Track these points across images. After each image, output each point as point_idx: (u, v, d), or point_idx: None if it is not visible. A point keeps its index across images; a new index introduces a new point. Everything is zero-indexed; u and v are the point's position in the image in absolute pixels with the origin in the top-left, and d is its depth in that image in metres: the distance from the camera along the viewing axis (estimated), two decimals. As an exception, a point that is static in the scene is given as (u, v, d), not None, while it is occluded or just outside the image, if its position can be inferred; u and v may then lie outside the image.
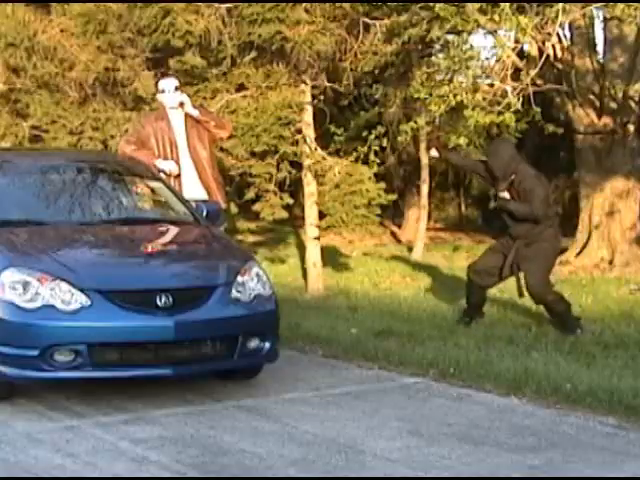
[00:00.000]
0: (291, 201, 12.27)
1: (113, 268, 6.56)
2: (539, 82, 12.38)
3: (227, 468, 5.17)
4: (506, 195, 8.69)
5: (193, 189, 8.59)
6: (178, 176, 8.62)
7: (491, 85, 11.67)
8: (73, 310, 6.07)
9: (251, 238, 16.25)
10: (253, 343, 6.56)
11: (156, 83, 9.09)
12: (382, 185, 12.22)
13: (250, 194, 12.00)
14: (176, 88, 8.83)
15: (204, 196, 8.55)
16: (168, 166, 8.58)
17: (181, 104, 8.77)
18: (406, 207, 19.77)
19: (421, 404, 6.51)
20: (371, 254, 15.81)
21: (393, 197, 13.17)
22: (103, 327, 6.10)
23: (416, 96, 11.35)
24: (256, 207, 12.18)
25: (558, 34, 12.71)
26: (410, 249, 16.24)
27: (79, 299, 6.09)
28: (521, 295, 8.85)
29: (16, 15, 12.05)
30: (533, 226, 8.59)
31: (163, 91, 8.84)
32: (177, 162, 8.69)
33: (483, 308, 9.14)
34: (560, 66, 13.59)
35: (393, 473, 5.12)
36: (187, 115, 8.77)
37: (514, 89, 11.22)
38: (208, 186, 8.71)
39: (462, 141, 11.41)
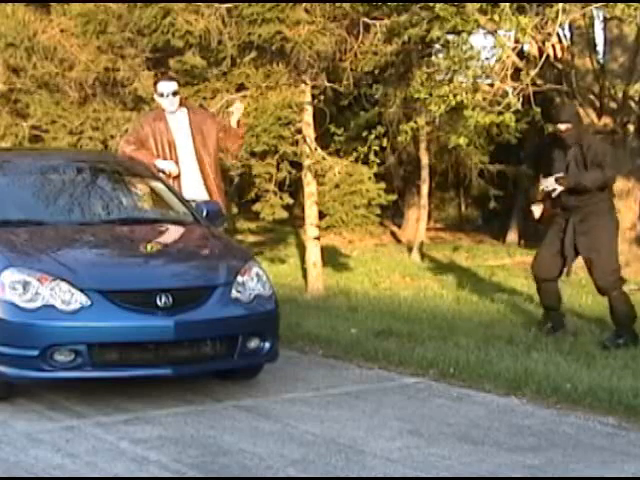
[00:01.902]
0: (291, 201, 12.28)
1: (113, 268, 6.55)
2: (539, 82, 12.38)
3: (227, 468, 5.17)
4: (536, 212, 8.44)
5: (195, 190, 8.55)
6: (177, 177, 8.58)
7: (491, 85, 11.69)
8: (73, 310, 6.07)
9: (251, 238, 16.26)
10: (253, 343, 6.55)
11: (155, 83, 8.97)
12: (382, 185, 12.23)
13: (250, 194, 12.00)
14: (175, 93, 8.66)
15: (205, 197, 8.52)
16: (168, 166, 8.53)
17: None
18: (406, 207, 19.79)
19: (421, 404, 6.51)
20: (371, 254, 15.82)
21: (393, 197, 13.19)
22: (103, 327, 6.10)
23: (416, 96, 11.36)
24: (256, 207, 12.19)
25: (558, 34, 12.71)
26: (410, 249, 16.25)
27: (79, 299, 6.09)
28: (568, 275, 8.53)
29: (16, 15, 12.06)
30: (589, 196, 8.16)
31: (162, 94, 8.69)
32: (176, 163, 8.65)
33: (561, 310, 8.64)
34: (560, 66, 13.60)
35: (393, 473, 5.12)
36: (192, 118, 8.70)
37: (514, 89, 11.24)
38: (210, 190, 8.69)
39: (462, 141, 11.42)
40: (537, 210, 8.47)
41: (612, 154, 8.48)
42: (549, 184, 8.25)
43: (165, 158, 8.59)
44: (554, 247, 8.34)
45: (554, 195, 8.24)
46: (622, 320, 8.12)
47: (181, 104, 8.72)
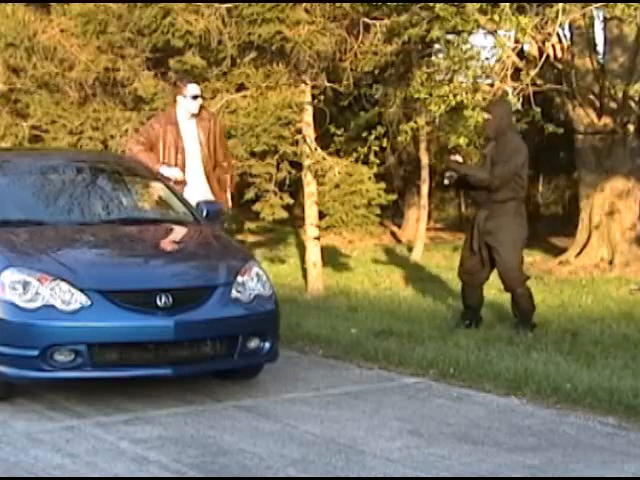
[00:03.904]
0: (291, 201, 12.27)
1: (113, 268, 6.55)
2: (539, 82, 12.39)
3: (227, 468, 5.17)
4: (458, 158, 8.65)
5: (200, 195, 8.52)
6: (182, 182, 8.58)
7: (491, 85, 11.69)
8: (73, 310, 6.07)
9: (251, 238, 16.26)
10: (253, 343, 6.55)
11: (176, 84, 8.95)
12: (382, 185, 12.23)
13: (250, 194, 12.00)
14: (195, 97, 8.70)
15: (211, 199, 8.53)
16: (173, 173, 8.52)
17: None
18: (406, 207, 19.78)
19: (421, 404, 6.51)
20: (371, 254, 15.82)
21: (393, 197, 13.18)
22: (103, 327, 6.10)
23: (416, 96, 11.37)
24: (256, 207, 12.19)
25: (558, 34, 12.72)
26: (410, 249, 16.25)
27: (79, 299, 6.09)
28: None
29: (16, 15, 12.06)
30: (496, 194, 8.37)
31: (195, 96, 8.70)
32: (183, 168, 8.65)
33: (481, 311, 8.92)
34: (560, 66, 13.60)
35: (393, 473, 5.12)
36: (199, 122, 8.72)
37: (514, 89, 11.24)
38: (215, 193, 8.72)
39: (462, 141, 11.43)
40: (450, 178, 8.66)
41: (522, 160, 8.45)
42: (451, 164, 8.59)
43: (171, 162, 8.59)
44: (469, 245, 8.66)
45: (445, 181, 8.67)
46: (524, 314, 8.52)
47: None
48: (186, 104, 8.69)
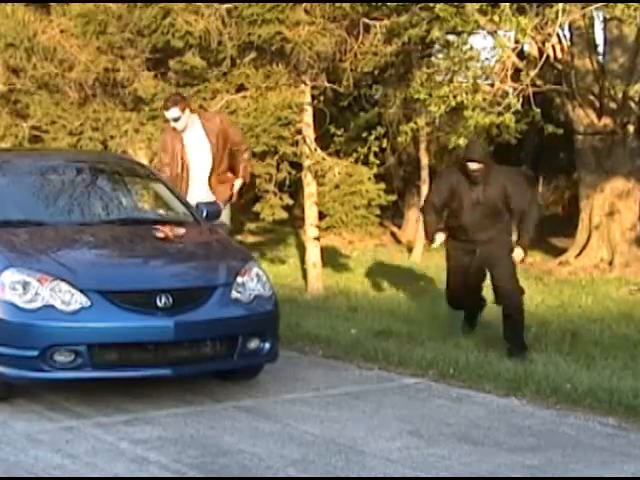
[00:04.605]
0: (291, 202, 12.27)
1: (113, 268, 6.55)
2: (539, 83, 12.39)
3: (227, 468, 5.17)
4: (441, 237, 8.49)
5: (201, 196, 8.55)
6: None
7: (491, 85, 11.69)
8: (73, 310, 6.07)
9: (251, 238, 16.26)
10: (253, 343, 6.55)
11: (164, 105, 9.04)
12: (382, 186, 12.24)
13: (250, 194, 12.00)
14: (175, 119, 8.70)
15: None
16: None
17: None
18: (406, 208, 19.77)
19: (421, 404, 6.51)
20: (371, 254, 15.81)
21: (393, 198, 13.19)
22: (103, 327, 6.10)
23: (416, 97, 11.37)
24: (256, 207, 12.19)
25: (558, 35, 12.72)
26: (410, 250, 16.25)
27: (79, 299, 6.09)
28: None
29: (16, 15, 12.05)
30: (496, 227, 8.25)
31: (175, 119, 8.77)
32: (186, 179, 8.70)
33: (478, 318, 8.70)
34: (560, 67, 13.60)
35: (393, 473, 5.12)
36: (206, 125, 8.74)
37: (514, 90, 11.24)
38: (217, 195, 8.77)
39: (462, 142, 11.42)
40: (440, 238, 8.57)
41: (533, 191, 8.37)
42: (516, 255, 8.11)
43: (177, 169, 8.65)
44: (464, 278, 8.38)
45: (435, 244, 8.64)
46: (518, 331, 7.90)
47: (192, 111, 8.80)
48: (172, 125, 8.78)
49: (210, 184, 8.76)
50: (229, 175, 8.92)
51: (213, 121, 8.83)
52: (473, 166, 7.93)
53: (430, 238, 8.57)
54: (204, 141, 8.73)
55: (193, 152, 8.73)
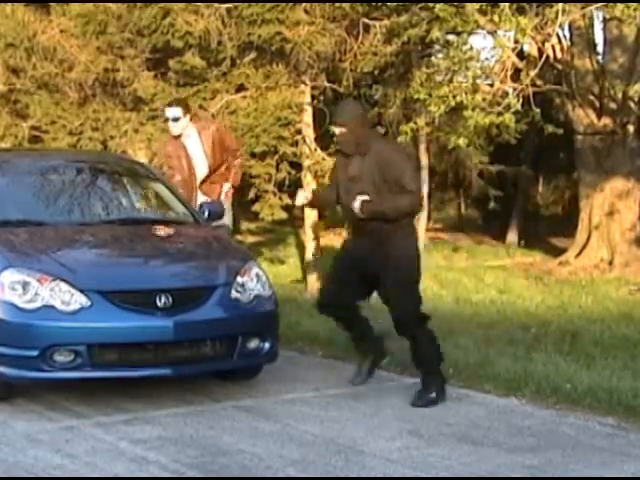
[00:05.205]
0: (290, 202, 12.26)
1: (113, 268, 6.55)
2: (539, 83, 12.40)
3: (226, 468, 5.17)
4: (365, 197, 6.34)
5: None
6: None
7: (491, 86, 11.70)
8: (73, 310, 6.07)
9: (251, 238, 16.26)
10: (253, 343, 6.55)
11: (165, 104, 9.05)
12: (382, 186, 12.20)
13: (250, 194, 12.00)
14: (175, 119, 8.68)
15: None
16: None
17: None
18: (406, 208, 19.75)
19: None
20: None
21: (393, 198, 13.14)
22: (103, 327, 6.10)
23: (416, 97, 11.37)
24: (255, 207, 12.19)
25: (558, 35, 12.73)
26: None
27: (79, 299, 6.09)
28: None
29: (16, 15, 12.06)
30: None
31: (167, 119, 8.78)
32: (194, 179, 8.72)
33: (380, 345, 7.13)
34: (560, 67, 13.61)
35: (393, 473, 5.12)
36: (206, 135, 8.76)
37: (514, 90, 11.24)
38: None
39: (462, 142, 11.43)
40: (302, 196, 6.88)
41: (412, 165, 7.00)
42: (355, 207, 6.38)
43: (185, 174, 8.67)
44: (347, 272, 6.69)
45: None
46: (432, 357, 6.61)
47: (192, 120, 8.81)
48: (169, 125, 8.77)
49: (201, 188, 8.78)
50: (221, 174, 8.92)
51: (207, 130, 8.80)
52: (335, 130, 6.56)
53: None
54: (201, 153, 8.73)
55: (193, 161, 8.75)
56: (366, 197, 6.34)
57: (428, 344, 6.57)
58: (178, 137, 8.72)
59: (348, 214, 6.62)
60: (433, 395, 6.48)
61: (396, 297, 6.48)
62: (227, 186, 8.91)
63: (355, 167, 6.46)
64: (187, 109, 8.77)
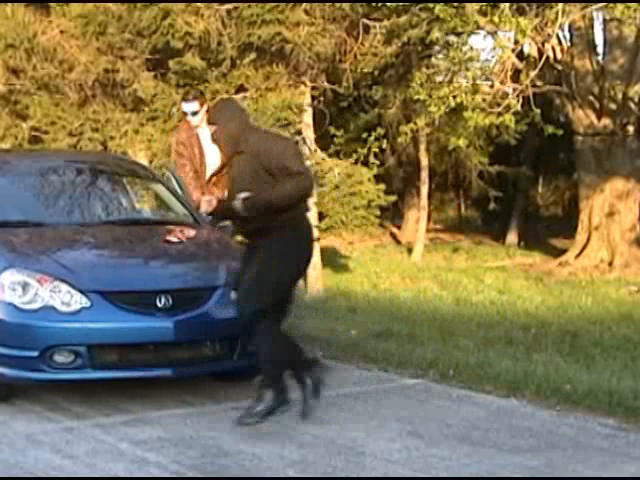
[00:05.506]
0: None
1: (113, 269, 6.55)
2: (539, 83, 12.41)
3: (227, 469, 5.17)
4: (245, 194, 5.87)
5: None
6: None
7: (491, 86, 11.71)
8: (73, 311, 6.07)
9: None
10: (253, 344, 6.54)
11: (182, 98, 9.06)
12: (382, 186, 12.24)
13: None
14: (194, 113, 8.73)
15: None
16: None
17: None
18: (406, 208, 19.80)
19: (421, 405, 6.51)
20: (371, 255, 15.82)
21: (393, 198, 13.19)
22: (103, 328, 6.10)
23: (416, 97, 11.39)
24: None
25: (558, 35, 12.74)
26: (410, 250, 16.26)
27: (79, 300, 6.09)
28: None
29: (16, 16, 12.06)
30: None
31: (185, 113, 8.81)
32: (204, 170, 8.73)
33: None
34: (560, 67, 13.62)
35: (393, 474, 5.12)
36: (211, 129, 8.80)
37: (514, 90, 11.25)
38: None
39: (462, 142, 11.45)
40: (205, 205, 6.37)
41: (294, 149, 6.27)
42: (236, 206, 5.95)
43: (198, 170, 8.68)
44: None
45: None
46: (268, 373, 5.98)
47: (207, 112, 8.82)
48: (188, 118, 8.79)
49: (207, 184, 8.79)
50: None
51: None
52: (211, 128, 6.23)
53: None
54: (214, 145, 8.73)
55: (205, 151, 8.75)
56: (247, 194, 5.87)
57: (264, 345, 5.90)
58: (193, 133, 8.75)
59: (235, 217, 6.21)
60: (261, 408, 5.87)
61: (243, 290, 5.96)
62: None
63: (235, 167, 6.08)
64: (203, 100, 8.82)
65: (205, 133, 8.77)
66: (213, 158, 8.74)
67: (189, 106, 8.75)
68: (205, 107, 8.78)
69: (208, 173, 8.77)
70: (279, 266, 5.94)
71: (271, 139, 6.18)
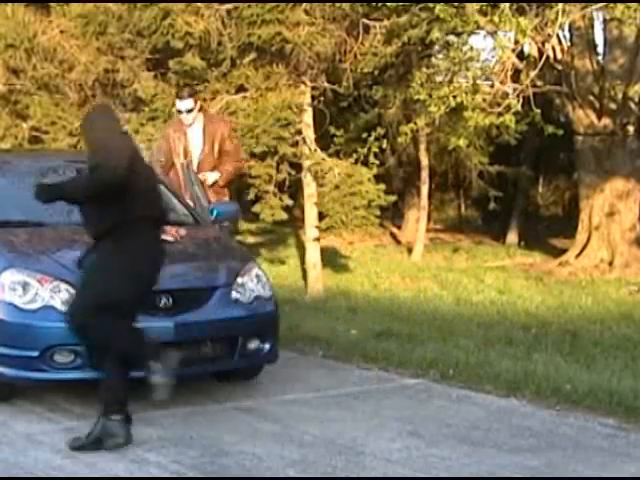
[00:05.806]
0: (291, 202, 12.27)
1: (113, 269, 6.53)
2: (539, 83, 12.40)
3: (227, 469, 5.17)
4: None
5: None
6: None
7: (491, 86, 11.70)
8: (73, 311, 6.06)
9: (251, 239, 16.26)
10: (253, 344, 6.55)
11: (176, 95, 9.12)
12: (382, 186, 12.22)
13: (250, 195, 12.00)
14: (189, 110, 8.77)
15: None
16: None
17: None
18: (406, 208, 19.78)
19: (421, 405, 6.51)
20: (371, 255, 15.82)
21: (393, 198, 13.17)
22: (103, 328, 6.08)
23: (416, 97, 11.38)
24: (256, 208, 12.19)
25: (558, 35, 12.73)
26: (410, 250, 16.25)
27: (79, 300, 6.08)
28: None
29: (16, 16, 12.05)
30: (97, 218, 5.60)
31: (180, 111, 8.84)
32: (190, 164, 8.77)
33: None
34: (560, 67, 13.61)
35: (393, 474, 5.12)
36: (207, 126, 8.79)
37: (514, 90, 11.25)
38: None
39: (462, 142, 11.44)
40: None
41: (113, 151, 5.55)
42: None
43: (172, 162, 8.72)
44: None
45: None
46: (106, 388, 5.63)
47: (200, 110, 8.84)
48: (181, 116, 8.83)
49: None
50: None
51: (216, 125, 8.86)
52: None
53: None
54: (199, 142, 8.79)
55: (193, 149, 8.81)
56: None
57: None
58: (182, 131, 8.79)
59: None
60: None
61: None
62: (214, 175, 8.78)
63: None
64: (197, 98, 8.91)
65: (195, 131, 8.81)
66: (195, 153, 8.80)
67: (184, 104, 8.79)
68: (199, 105, 8.83)
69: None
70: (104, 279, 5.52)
71: (96, 141, 5.70)
